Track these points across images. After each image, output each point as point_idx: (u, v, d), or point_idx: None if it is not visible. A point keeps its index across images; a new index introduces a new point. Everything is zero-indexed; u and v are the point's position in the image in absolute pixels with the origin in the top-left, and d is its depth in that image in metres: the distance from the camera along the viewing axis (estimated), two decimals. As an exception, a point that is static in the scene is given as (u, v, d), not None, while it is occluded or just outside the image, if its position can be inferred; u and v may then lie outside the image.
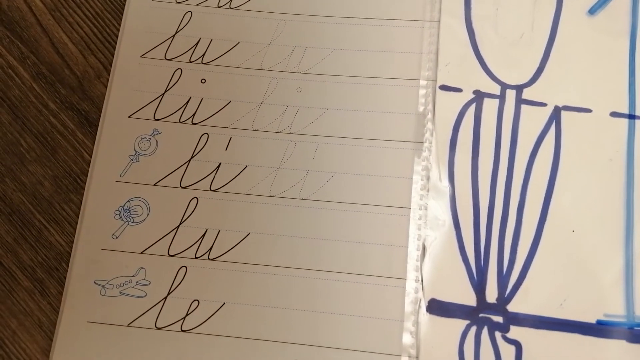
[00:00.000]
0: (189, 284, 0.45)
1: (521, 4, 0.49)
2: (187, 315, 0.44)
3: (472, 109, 0.47)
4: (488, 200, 0.45)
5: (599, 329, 0.43)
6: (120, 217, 0.46)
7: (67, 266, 0.45)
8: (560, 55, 0.48)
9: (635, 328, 0.43)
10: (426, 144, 0.47)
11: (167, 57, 0.50)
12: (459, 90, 0.48)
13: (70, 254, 0.46)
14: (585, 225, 0.45)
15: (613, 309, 0.44)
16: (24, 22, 0.50)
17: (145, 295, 0.44)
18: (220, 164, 0.47)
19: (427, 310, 0.43)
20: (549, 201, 0.45)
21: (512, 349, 0.43)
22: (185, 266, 0.45)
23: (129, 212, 0.46)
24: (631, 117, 0.47)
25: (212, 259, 0.45)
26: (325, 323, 0.44)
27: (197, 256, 0.45)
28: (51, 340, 0.45)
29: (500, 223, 0.45)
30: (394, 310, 0.44)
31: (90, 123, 0.48)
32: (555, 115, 0.47)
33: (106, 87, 0.49)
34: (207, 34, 0.50)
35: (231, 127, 0.48)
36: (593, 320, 0.44)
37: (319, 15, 0.50)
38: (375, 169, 0.47)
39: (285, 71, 0.49)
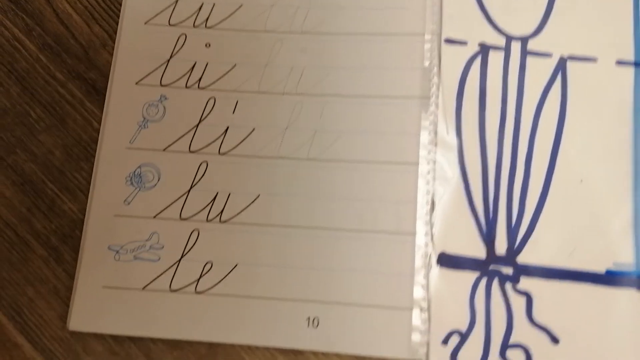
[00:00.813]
0: (201, 246, 0.45)
1: (524, -47, 0.48)
2: (200, 277, 0.45)
3: (477, 61, 0.47)
4: (496, 153, 0.45)
5: (609, 278, 0.43)
6: (132, 183, 0.46)
7: (81, 233, 0.46)
8: (564, 5, 0.48)
9: (645, 276, 0.43)
10: (433, 99, 0.47)
11: (171, 23, 0.50)
12: (464, 43, 0.48)
13: (83, 221, 0.46)
14: (594, 174, 0.45)
15: (622, 257, 0.44)
16: (28, -6, 0.50)
17: (159, 259, 0.45)
18: (228, 127, 0.47)
19: (437, 264, 0.44)
20: (557, 152, 0.45)
21: (522, 299, 0.43)
22: (197, 229, 0.45)
23: (140, 178, 0.46)
24: (637, 65, 0.47)
25: (223, 222, 0.46)
26: (337, 280, 0.44)
27: (208, 219, 0.46)
28: (67, 306, 0.45)
29: (509, 175, 0.45)
30: (404, 265, 0.44)
31: (97, 92, 0.49)
32: (561, 66, 0.47)
33: (112, 55, 0.49)
34: (210, -2, 0.50)
35: (237, 91, 0.48)
36: (602, 270, 0.44)
37: (320, -27, 0.49)
38: (382, 126, 0.47)
39: (290, 32, 0.49)
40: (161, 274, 0.45)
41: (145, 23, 0.50)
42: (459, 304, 0.44)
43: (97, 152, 0.47)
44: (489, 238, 0.44)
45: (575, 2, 0.48)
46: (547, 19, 0.48)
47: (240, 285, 0.45)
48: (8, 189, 0.48)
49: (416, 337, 0.43)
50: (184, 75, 0.49)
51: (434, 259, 0.44)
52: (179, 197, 0.46)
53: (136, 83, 0.49)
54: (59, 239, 0.47)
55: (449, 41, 0.48)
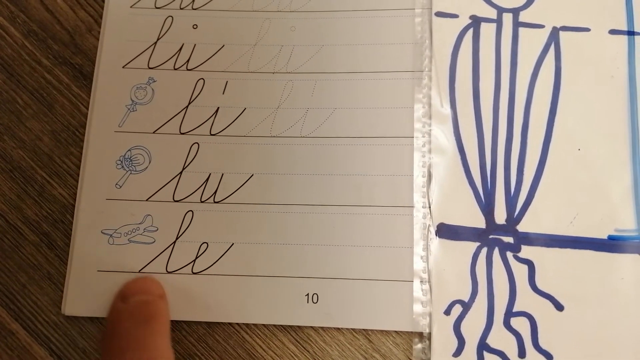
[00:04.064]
0: (196, 227, 0.45)
1: None
2: (197, 257, 0.44)
3: (469, 34, 0.47)
4: (491, 123, 0.45)
5: (611, 244, 0.43)
6: (122, 167, 0.45)
7: (72, 218, 0.45)
8: (555, -25, 0.47)
9: (647, 241, 0.42)
10: (425, 72, 0.46)
11: (157, 6, 0.49)
12: (455, 16, 0.47)
13: (74, 206, 0.45)
14: (591, 142, 0.45)
15: (624, 223, 0.44)
16: (10, -19, 0.50)
17: (154, 242, 0.44)
18: (218, 108, 0.47)
19: (436, 235, 0.43)
20: (553, 121, 0.45)
21: (524, 268, 0.43)
22: (191, 210, 0.45)
23: (131, 161, 0.45)
24: (630, 33, 0.46)
25: (217, 202, 0.45)
26: (335, 255, 0.44)
27: (202, 200, 0.45)
28: (61, 291, 0.44)
29: (505, 145, 0.45)
30: (403, 237, 0.44)
31: (84, 76, 0.48)
32: (554, 36, 0.47)
33: (98, 40, 0.49)
34: (196, -21, 0.49)
35: (227, 71, 0.48)
36: (604, 236, 0.43)
37: (307, -50, 0.49)
38: (375, 102, 0.46)
39: (278, 11, 0.49)
40: (157, 256, 0.44)
41: (131, 6, 0.50)
42: (460, 274, 0.43)
43: (85, 137, 0.47)
44: (487, 208, 0.44)
45: (565, -28, 0.47)
46: (538, -10, 0.47)
47: (237, 265, 0.44)
48: (-3, 177, 0.47)
49: (418, 308, 0.43)
50: (171, 57, 0.48)
51: (432, 231, 0.43)
52: (172, 179, 0.46)
53: (123, 66, 0.48)
54: (51, 225, 0.46)
55: (440, 14, 0.48)
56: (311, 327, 0.44)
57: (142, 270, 0.44)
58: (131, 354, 0.37)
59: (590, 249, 0.43)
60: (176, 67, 0.48)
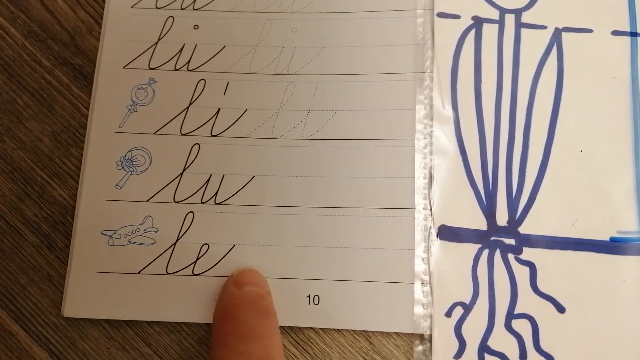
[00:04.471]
0: (197, 228, 0.45)
1: None
2: (197, 259, 0.44)
3: (471, 35, 0.47)
4: (493, 125, 0.45)
5: (613, 246, 0.43)
6: (123, 167, 0.45)
7: (72, 219, 0.45)
8: (557, -24, 0.47)
9: (650, 243, 0.42)
10: (427, 73, 0.46)
11: (157, 6, 0.49)
12: (457, 17, 0.47)
13: (74, 207, 0.45)
14: (593, 144, 0.45)
15: (626, 225, 0.43)
16: (11, -19, 0.49)
17: (154, 243, 0.44)
18: (219, 109, 0.46)
19: (437, 237, 0.43)
20: (555, 123, 0.45)
21: (526, 270, 0.43)
22: (192, 212, 0.45)
23: (131, 161, 0.45)
24: (633, 34, 0.46)
25: (218, 203, 0.45)
26: (336, 257, 0.44)
27: (203, 201, 0.45)
28: (61, 293, 0.44)
29: (507, 146, 0.45)
30: (404, 239, 0.44)
31: (85, 77, 0.48)
32: (556, 37, 0.46)
33: (98, 40, 0.48)
34: (197, -21, 0.49)
35: (228, 72, 0.48)
36: (606, 238, 0.43)
37: (309, -49, 0.49)
38: (377, 103, 0.46)
39: (279, 12, 0.49)
40: (157, 258, 0.44)
41: (132, 7, 0.50)
42: (461, 276, 0.43)
43: (86, 138, 0.47)
44: (489, 209, 0.44)
45: (568, -27, 0.47)
46: (541, -9, 0.47)
47: (238, 266, 0.44)
48: (-3, 177, 0.47)
49: (419, 309, 0.43)
50: (172, 57, 0.48)
51: (434, 232, 0.43)
52: (172, 180, 0.46)
53: (124, 67, 0.48)
54: (51, 226, 0.46)
55: (442, 15, 0.48)
56: (312, 328, 0.44)
57: (142, 272, 0.44)
58: (251, 344, 0.38)
59: (592, 251, 0.43)
60: (177, 67, 0.48)
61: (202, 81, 0.47)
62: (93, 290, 0.44)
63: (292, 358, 0.44)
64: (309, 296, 0.43)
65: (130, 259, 0.45)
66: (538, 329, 0.42)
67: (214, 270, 0.44)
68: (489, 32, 0.47)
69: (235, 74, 0.48)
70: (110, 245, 0.44)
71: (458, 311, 0.42)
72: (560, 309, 0.42)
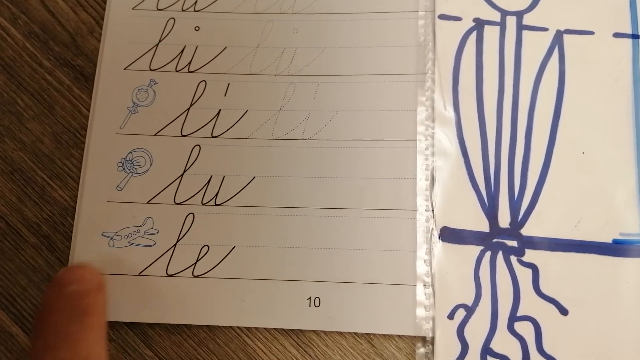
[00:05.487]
0: (197, 230, 0.45)
1: None
2: (197, 260, 0.44)
3: (473, 37, 0.47)
4: (495, 127, 0.45)
5: (616, 248, 0.43)
6: (124, 169, 0.45)
7: (73, 221, 0.45)
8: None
9: (653, 245, 0.42)
10: (429, 74, 0.46)
11: (159, 8, 0.49)
12: (458, 19, 0.47)
13: (74, 208, 0.45)
14: (595, 146, 0.45)
15: (629, 227, 0.43)
16: (12, -18, 0.49)
17: (154, 244, 0.44)
18: (220, 110, 0.46)
19: (439, 239, 0.43)
20: (557, 124, 0.45)
21: (528, 272, 0.43)
22: (192, 213, 0.44)
23: (132, 163, 0.45)
24: (634, 36, 0.46)
25: (219, 205, 0.45)
26: (337, 259, 0.44)
27: (203, 202, 0.45)
28: (62, 294, 0.43)
29: (509, 148, 0.44)
30: (406, 241, 0.44)
31: (86, 78, 0.48)
32: (558, 40, 0.46)
33: (99, 41, 0.48)
34: (198, -20, 0.49)
35: (228, 73, 0.47)
36: (609, 240, 0.43)
37: (310, -48, 0.49)
38: (378, 104, 0.46)
39: (280, 13, 0.49)
40: (157, 259, 0.44)
41: (133, 8, 0.50)
42: (463, 278, 0.43)
43: (86, 139, 0.46)
44: (491, 211, 0.44)
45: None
46: (542, -6, 0.47)
47: (238, 268, 0.44)
48: (-3, 178, 0.47)
49: (421, 312, 0.42)
50: (173, 59, 0.48)
51: (436, 234, 0.43)
52: (173, 182, 0.45)
53: (125, 68, 0.48)
54: (51, 227, 0.46)
55: (444, 17, 0.48)
56: (313, 331, 0.43)
57: (142, 273, 0.44)
58: (58, 352, 0.33)
59: (594, 253, 0.43)
60: (178, 69, 0.48)
61: (203, 82, 0.47)
62: (93, 291, 0.43)
63: (293, 360, 0.43)
64: (309, 298, 0.43)
65: (131, 260, 0.45)
66: (541, 331, 0.42)
67: (214, 271, 0.44)
68: (490, 34, 0.47)
69: (236, 75, 0.48)
70: (110, 247, 0.44)
71: (460, 313, 0.42)
72: (563, 311, 0.42)
